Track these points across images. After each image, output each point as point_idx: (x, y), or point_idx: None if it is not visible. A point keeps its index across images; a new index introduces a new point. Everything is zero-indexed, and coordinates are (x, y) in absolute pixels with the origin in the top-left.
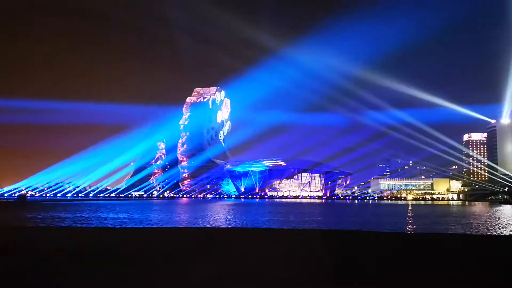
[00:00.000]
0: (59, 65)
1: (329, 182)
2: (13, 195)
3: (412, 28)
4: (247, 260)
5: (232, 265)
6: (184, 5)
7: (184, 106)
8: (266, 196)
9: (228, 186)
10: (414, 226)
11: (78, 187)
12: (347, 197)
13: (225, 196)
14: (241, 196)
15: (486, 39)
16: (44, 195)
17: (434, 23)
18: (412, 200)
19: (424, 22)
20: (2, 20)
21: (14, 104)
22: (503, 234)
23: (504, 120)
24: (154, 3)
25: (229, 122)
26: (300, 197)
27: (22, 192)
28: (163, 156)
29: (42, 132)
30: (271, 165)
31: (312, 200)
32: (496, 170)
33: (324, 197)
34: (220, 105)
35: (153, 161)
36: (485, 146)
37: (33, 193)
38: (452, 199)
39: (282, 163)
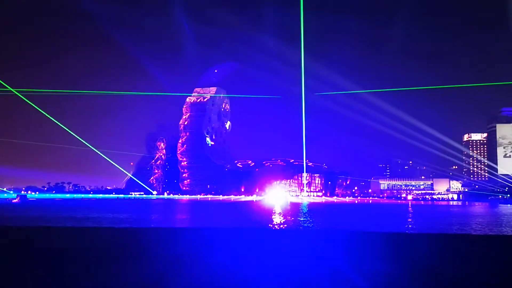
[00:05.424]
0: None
1: (329, 182)
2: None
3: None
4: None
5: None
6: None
7: (184, 106)
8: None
9: (228, 186)
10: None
11: (77, 186)
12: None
13: (225, 196)
14: (242, 196)
15: None
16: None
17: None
18: (412, 200)
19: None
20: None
21: None
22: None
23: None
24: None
25: (229, 122)
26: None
27: (22, 192)
28: (163, 156)
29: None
30: (271, 165)
31: (311, 200)
32: (496, 170)
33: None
34: (220, 105)
35: (153, 161)
36: (485, 146)
37: (33, 193)
38: (452, 199)
39: (282, 163)
